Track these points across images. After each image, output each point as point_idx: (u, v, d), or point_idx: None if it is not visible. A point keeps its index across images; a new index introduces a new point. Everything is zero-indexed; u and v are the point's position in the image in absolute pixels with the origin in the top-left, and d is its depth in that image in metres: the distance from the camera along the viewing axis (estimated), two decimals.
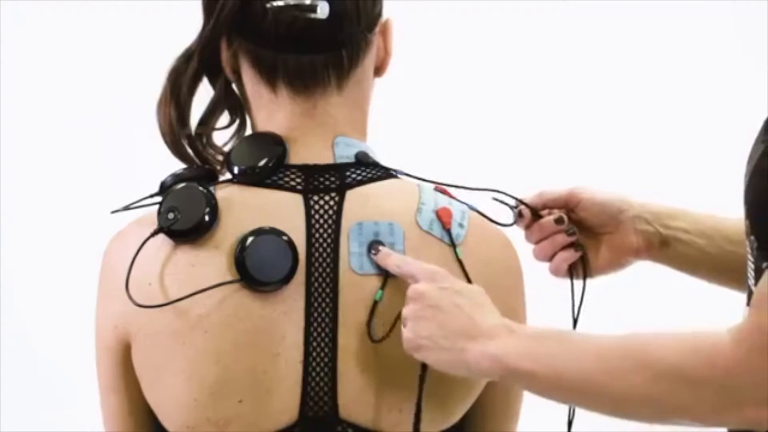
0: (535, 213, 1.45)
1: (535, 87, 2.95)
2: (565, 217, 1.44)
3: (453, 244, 1.31)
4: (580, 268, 1.46)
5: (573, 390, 1.16)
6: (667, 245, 1.45)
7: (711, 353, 1.11)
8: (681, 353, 1.12)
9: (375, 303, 1.28)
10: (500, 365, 1.18)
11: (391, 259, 1.27)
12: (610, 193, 1.45)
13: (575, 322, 1.45)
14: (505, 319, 1.22)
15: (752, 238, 1.20)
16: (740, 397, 1.10)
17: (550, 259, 1.45)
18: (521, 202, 1.44)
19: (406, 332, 1.24)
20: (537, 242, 1.45)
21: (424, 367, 1.26)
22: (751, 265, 1.19)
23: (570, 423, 1.42)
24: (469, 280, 1.30)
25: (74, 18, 2.86)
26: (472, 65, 2.95)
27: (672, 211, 1.46)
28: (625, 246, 1.45)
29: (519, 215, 1.44)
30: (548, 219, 1.44)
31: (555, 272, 1.46)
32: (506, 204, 1.43)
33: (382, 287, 1.28)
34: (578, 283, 1.47)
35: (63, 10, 2.85)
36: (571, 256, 1.45)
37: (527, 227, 1.45)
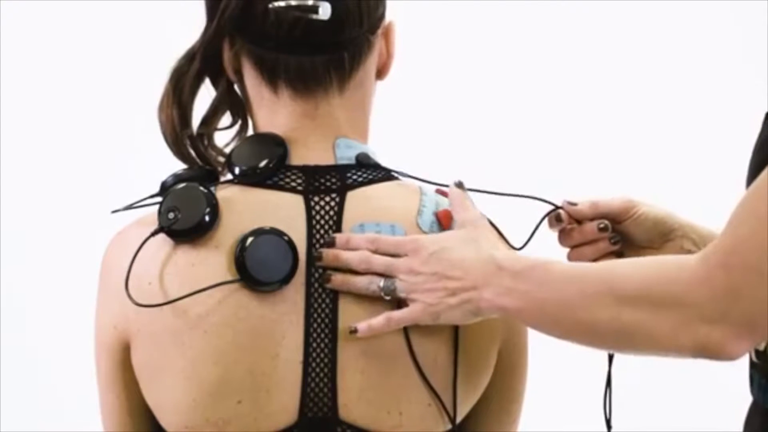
0: (577, 221, 1.42)
1: (537, 89, 2.95)
2: (609, 225, 1.42)
3: None
4: None
5: (554, 320, 1.22)
6: None
7: (675, 272, 1.16)
8: (647, 274, 1.18)
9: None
10: (496, 307, 1.24)
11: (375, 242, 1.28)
12: (663, 210, 1.43)
13: None
14: (489, 253, 1.25)
15: None
16: (696, 312, 1.13)
17: None
18: (561, 208, 1.41)
19: (419, 306, 1.25)
20: (574, 246, 1.43)
21: (456, 335, 1.29)
22: None
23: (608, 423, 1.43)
24: None
25: (75, 17, 2.86)
26: (475, 68, 2.95)
27: (716, 236, 1.45)
28: None
29: (557, 219, 1.41)
30: (591, 225, 1.42)
31: None
32: (553, 204, 1.41)
33: None
34: None
35: (64, 10, 2.85)
36: None
37: (562, 230, 1.43)
